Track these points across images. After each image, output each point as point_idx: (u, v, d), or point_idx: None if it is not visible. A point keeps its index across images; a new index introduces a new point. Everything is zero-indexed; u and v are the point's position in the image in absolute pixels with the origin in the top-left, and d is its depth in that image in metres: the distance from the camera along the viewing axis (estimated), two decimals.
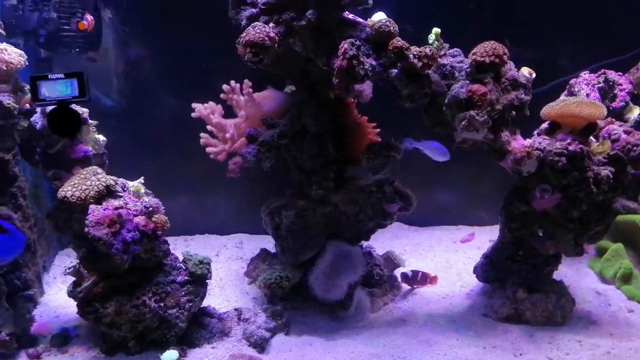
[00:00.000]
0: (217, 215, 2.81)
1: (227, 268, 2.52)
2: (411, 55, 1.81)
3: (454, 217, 2.95)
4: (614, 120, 2.08)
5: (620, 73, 2.40)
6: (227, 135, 1.98)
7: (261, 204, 2.20)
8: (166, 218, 1.80)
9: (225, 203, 2.79)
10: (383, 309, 2.16)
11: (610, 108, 2.33)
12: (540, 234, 2.05)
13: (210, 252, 2.65)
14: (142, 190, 1.88)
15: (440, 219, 2.95)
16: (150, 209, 1.77)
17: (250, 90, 2.04)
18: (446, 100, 1.87)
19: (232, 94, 2.06)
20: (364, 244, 2.27)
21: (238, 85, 2.07)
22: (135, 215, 1.75)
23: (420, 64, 1.81)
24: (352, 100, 2.10)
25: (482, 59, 1.83)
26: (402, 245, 2.73)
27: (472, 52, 1.85)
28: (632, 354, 1.79)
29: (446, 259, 2.58)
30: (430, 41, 1.93)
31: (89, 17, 1.98)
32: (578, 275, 2.35)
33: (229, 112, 2.10)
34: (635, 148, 1.95)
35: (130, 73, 2.54)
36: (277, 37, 1.77)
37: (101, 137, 1.92)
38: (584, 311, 2.06)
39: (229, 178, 2.08)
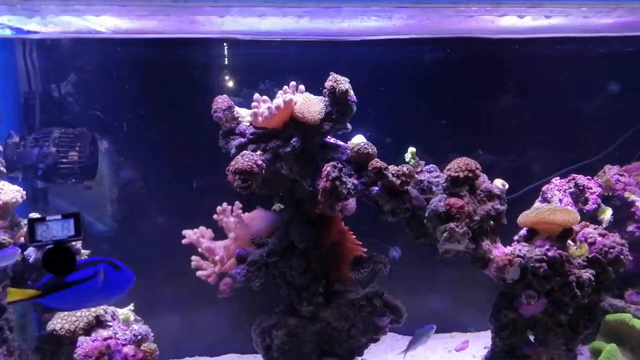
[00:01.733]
0: (207, 335, 2.76)
1: None
2: (390, 174, 1.93)
3: (446, 323, 2.92)
4: (588, 223, 2.17)
5: (589, 177, 2.53)
6: (217, 257, 2.03)
7: (251, 322, 2.19)
8: (155, 346, 1.79)
9: (215, 323, 2.74)
10: None
11: (584, 211, 2.43)
12: (532, 340, 2.05)
13: None
14: (132, 317, 1.88)
15: None
16: (140, 337, 1.77)
17: (240, 211, 2.12)
18: (426, 214, 1.96)
19: (222, 216, 2.14)
20: (358, 359, 2.24)
21: (229, 207, 2.15)
22: (124, 345, 1.75)
23: (399, 181, 1.93)
24: (338, 215, 2.18)
25: (457, 174, 1.94)
26: (397, 357, 2.67)
27: (447, 168, 1.98)
28: None
29: None
30: (407, 159, 2.07)
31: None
32: None
33: (221, 232, 2.17)
34: (611, 250, 2.02)
35: (123, 197, 2.63)
36: (264, 164, 1.89)
37: None
38: None
39: (218, 297, 2.09)
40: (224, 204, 2.15)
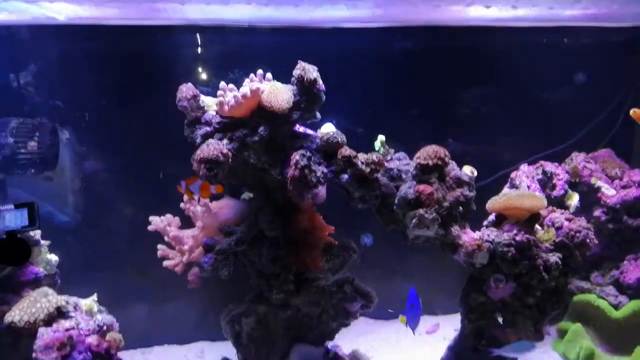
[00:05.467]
0: (175, 324, 2.72)
1: None
2: (359, 162, 1.91)
3: None
4: (555, 208, 2.20)
5: (556, 164, 2.57)
6: (185, 247, 1.99)
7: (221, 309, 2.16)
8: (120, 336, 1.75)
9: (184, 311, 2.71)
10: None
11: (552, 197, 2.47)
12: (501, 322, 2.08)
13: None
14: (95, 308, 1.84)
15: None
16: (104, 327, 1.74)
17: (207, 200, 2.08)
18: (396, 201, 1.96)
19: (189, 205, 2.10)
20: (330, 343, 2.24)
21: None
22: (87, 335, 1.71)
23: (368, 169, 1.92)
24: (309, 203, 2.16)
25: (426, 162, 1.94)
26: (368, 341, 2.69)
27: (416, 156, 1.97)
28: None
29: (412, 354, 2.56)
30: (376, 148, 2.06)
31: None
32: (543, 358, 2.35)
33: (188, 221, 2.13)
34: (577, 234, 2.05)
35: (86, 188, 2.56)
36: (230, 153, 1.85)
37: (53, 257, 1.90)
38: None
39: (187, 286, 2.06)
40: None
